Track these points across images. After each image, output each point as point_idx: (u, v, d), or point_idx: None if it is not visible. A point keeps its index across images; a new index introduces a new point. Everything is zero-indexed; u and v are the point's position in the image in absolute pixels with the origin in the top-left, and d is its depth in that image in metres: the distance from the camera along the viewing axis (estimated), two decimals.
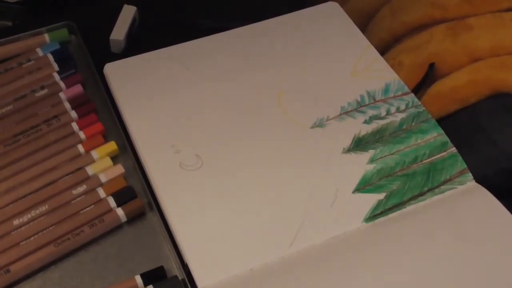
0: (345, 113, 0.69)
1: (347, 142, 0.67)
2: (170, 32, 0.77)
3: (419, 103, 0.70)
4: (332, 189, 0.64)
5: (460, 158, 0.66)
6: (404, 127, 0.69)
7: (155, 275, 0.59)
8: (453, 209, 0.63)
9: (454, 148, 0.67)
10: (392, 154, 0.67)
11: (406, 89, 0.71)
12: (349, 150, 0.67)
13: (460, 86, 0.71)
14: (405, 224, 0.62)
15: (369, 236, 0.61)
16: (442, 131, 0.68)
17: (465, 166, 0.66)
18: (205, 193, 0.63)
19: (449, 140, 0.68)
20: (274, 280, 0.58)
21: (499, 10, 0.73)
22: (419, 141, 0.68)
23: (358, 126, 0.68)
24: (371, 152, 0.66)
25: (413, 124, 0.69)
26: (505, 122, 0.70)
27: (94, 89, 0.72)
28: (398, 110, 0.70)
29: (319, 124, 0.68)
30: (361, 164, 0.66)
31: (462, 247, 0.61)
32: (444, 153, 0.67)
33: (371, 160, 0.66)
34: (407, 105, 0.70)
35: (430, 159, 0.67)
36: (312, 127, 0.68)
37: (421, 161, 0.66)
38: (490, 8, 0.73)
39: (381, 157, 0.66)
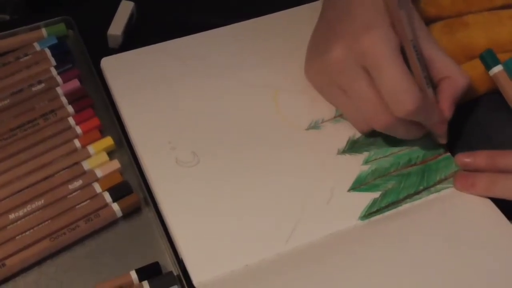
0: (340, 115, 0.69)
1: (342, 144, 0.67)
2: (167, 27, 0.77)
3: None
4: (328, 187, 0.64)
5: (453, 160, 0.66)
6: None
7: (150, 271, 0.59)
8: (448, 208, 0.63)
9: (448, 153, 0.67)
10: (386, 156, 0.67)
11: None
12: (344, 151, 0.67)
13: None
14: (401, 222, 0.62)
15: (364, 234, 0.61)
16: None
17: (459, 167, 0.66)
18: (202, 189, 0.63)
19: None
20: (270, 277, 0.59)
21: (494, 8, 0.73)
22: (412, 144, 0.68)
23: (353, 129, 0.68)
24: (365, 154, 0.67)
25: None
26: (502, 119, 0.70)
27: (91, 84, 0.72)
28: None
29: (314, 126, 0.68)
30: (356, 165, 0.66)
31: (456, 245, 0.61)
32: (438, 156, 0.67)
33: (366, 162, 0.66)
34: None
35: (424, 161, 0.67)
36: (307, 129, 0.68)
37: (415, 163, 0.66)
38: (484, 5, 0.73)
39: (375, 159, 0.66)
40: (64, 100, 0.70)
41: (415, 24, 0.65)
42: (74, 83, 0.71)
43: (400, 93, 0.61)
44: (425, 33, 0.66)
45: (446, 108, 0.65)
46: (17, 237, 0.61)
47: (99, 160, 0.66)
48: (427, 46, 0.65)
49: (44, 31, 0.75)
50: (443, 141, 0.67)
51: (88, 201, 0.63)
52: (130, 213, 0.64)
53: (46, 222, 0.62)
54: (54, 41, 0.75)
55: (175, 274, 0.59)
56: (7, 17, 0.84)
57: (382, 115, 0.63)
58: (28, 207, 0.62)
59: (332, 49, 0.65)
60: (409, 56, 0.63)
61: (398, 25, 0.62)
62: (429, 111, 0.63)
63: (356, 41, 0.62)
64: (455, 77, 0.65)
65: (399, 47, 0.62)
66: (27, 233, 0.61)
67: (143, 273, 0.59)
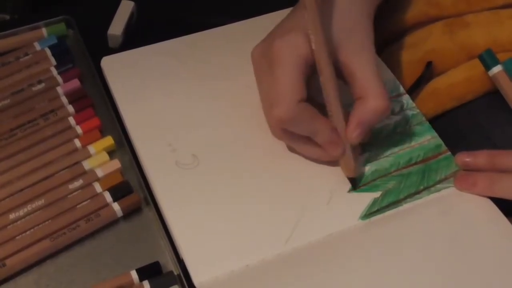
0: None
1: None
2: (167, 27, 0.77)
3: (414, 105, 0.70)
4: (328, 188, 0.64)
5: (454, 159, 0.66)
6: (398, 130, 0.69)
7: (150, 271, 0.59)
8: (448, 207, 0.63)
9: (448, 152, 0.67)
10: (387, 156, 0.67)
11: (402, 89, 0.71)
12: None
13: (456, 83, 0.72)
14: (401, 222, 0.62)
15: (365, 234, 0.61)
16: (436, 134, 0.68)
17: (459, 167, 0.66)
18: (202, 189, 0.63)
19: (442, 143, 0.68)
20: (270, 277, 0.59)
21: (494, 7, 0.73)
22: (413, 143, 0.68)
23: None
24: (365, 154, 0.66)
25: (407, 126, 0.69)
26: (501, 119, 0.70)
27: (91, 83, 0.72)
28: (392, 112, 0.69)
29: None
30: None
31: (457, 245, 0.61)
32: (438, 155, 0.67)
33: (366, 162, 0.66)
34: (401, 107, 0.70)
35: (424, 160, 0.67)
36: None
37: (415, 162, 0.66)
38: (485, 5, 0.73)
39: (375, 159, 0.66)
40: (64, 99, 0.70)
41: (344, 36, 0.63)
42: (74, 83, 0.71)
43: (274, 100, 0.61)
44: (358, 46, 0.63)
45: (350, 129, 0.62)
46: (17, 237, 0.61)
47: (99, 160, 0.66)
48: (353, 60, 0.62)
49: (44, 31, 0.75)
50: (347, 173, 0.64)
51: (89, 201, 0.63)
52: (130, 213, 0.64)
53: (47, 222, 0.62)
54: (54, 40, 0.75)
55: (175, 273, 0.59)
56: (7, 16, 0.85)
57: (268, 120, 0.64)
58: (29, 207, 0.62)
59: (253, 49, 0.65)
60: (318, 67, 0.61)
61: (310, 33, 0.61)
62: (315, 127, 0.61)
63: (270, 43, 0.62)
64: (369, 99, 0.61)
65: (306, 55, 0.61)
66: (28, 233, 0.61)
67: (143, 273, 0.59)
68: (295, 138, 0.63)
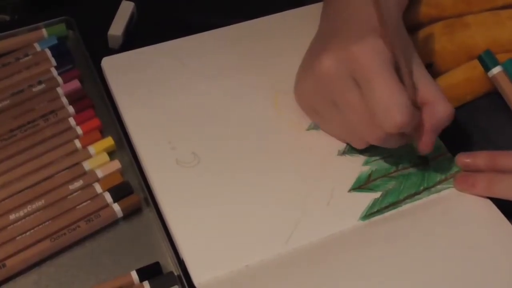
0: None
1: (342, 145, 0.67)
2: (168, 28, 0.78)
3: None
4: (328, 188, 0.64)
5: (454, 160, 0.66)
6: None
7: (151, 271, 0.59)
8: (448, 208, 0.63)
9: (448, 153, 0.67)
10: (387, 157, 0.67)
11: None
12: (344, 152, 0.67)
13: (456, 84, 0.72)
14: (401, 223, 0.62)
15: (365, 234, 0.61)
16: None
17: (459, 168, 0.66)
18: (202, 189, 0.63)
19: (442, 144, 0.68)
20: (270, 277, 0.59)
21: (494, 8, 0.73)
22: (413, 144, 0.68)
23: None
24: (365, 155, 0.66)
25: None
26: (501, 120, 0.70)
27: (91, 84, 0.72)
28: None
29: (315, 126, 0.68)
30: (356, 166, 0.66)
31: (457, 245, 0.61)
32: (438, 156, 0.67)
33: (366, 162, 0.66)
34: None
35: (424, 161, 0.67)
36: (308, 129, 0.68)
37: (415, 163, 0.66)
38: (485, 6, 0.73)
39: (375, 160, 0.66)
40: (64, 100, 0.70)
41: (403, 43, 0.63)
42: (75, 84, 0.71)
43: (389, 107, 0.58)
44: (411, 53, 0.63)
45: (426, 138, 0.62)
46: (17, 238, 0.61)
47: (99, 161, 0.66)
48: (412, 67, 0.62)
49: (44, 32, 0.75)
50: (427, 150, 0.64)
51: (89, 201, 0.63)
52: (130, 213, 0.64)
53: (47, 223, 0.62)
54: (55, 41, 0.75)
55: (175, 274, 0.59)
56: (7, 17, 0.85)
57: (376, 129, 0.61)
58: (29, 208, 0.62)
59: (322, 61, 0.62)
60: (402, 68, 0.60)
61: (390, 38, 0.60)
62: (417, 121, 0.61)
63: (347, 51, 0.60)
64: (436, 104, 0.61)
65: (390, 59, 0.60)
66: (28, 233, 0.61)
67: (143, 273, 0.59)
68: (394, 138, 0.62)
